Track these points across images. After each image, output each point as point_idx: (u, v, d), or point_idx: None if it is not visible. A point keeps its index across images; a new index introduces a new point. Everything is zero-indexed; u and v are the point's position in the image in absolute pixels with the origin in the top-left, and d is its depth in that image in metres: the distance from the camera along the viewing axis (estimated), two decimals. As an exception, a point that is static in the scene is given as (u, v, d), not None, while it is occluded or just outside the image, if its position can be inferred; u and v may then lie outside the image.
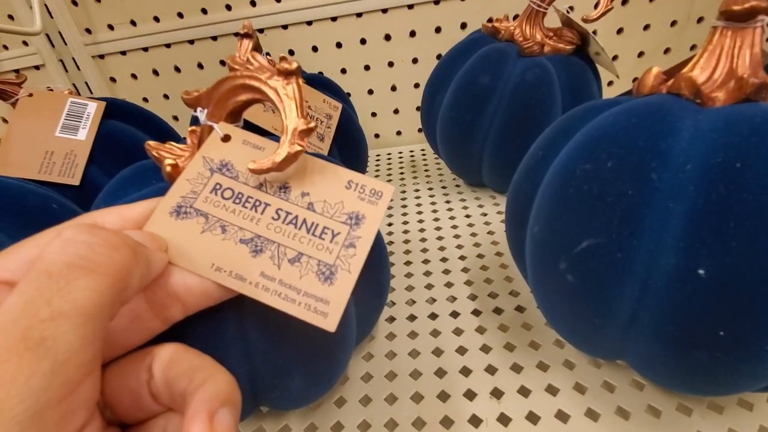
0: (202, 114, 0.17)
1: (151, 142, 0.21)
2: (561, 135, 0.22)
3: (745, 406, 0.21)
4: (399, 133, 0.57)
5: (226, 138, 0.17)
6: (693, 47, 0.51)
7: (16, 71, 0.53)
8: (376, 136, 0.57)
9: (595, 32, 0.34)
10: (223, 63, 0.52)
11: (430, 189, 0.45)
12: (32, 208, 0.24)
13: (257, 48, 0.33)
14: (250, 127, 0.26)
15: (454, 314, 0.29)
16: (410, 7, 0.48)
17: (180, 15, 0.49)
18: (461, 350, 0.26)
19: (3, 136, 0.33)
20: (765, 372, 0.17)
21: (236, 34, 0.50)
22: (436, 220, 0.39)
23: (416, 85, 0.53)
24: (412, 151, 0.55)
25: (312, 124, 0.15)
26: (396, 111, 0.55)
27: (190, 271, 0.14)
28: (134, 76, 0.54)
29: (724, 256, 0.15)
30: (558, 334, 0.26)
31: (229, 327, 0.17)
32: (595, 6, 0.48)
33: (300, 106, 0.15)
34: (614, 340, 0.20)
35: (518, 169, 0.25)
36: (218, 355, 0.17)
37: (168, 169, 0.18)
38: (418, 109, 0.55)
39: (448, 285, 0.32)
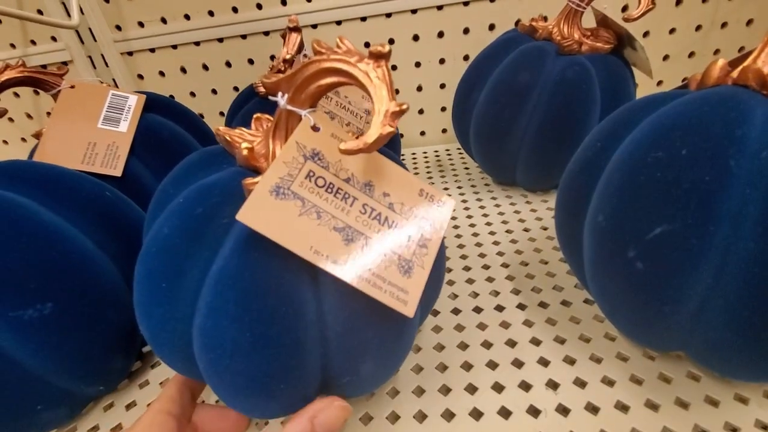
0: (282, 99, 0.18)
1: (221, 128, 0.21)
2: (620, 126, 0.22)
3: (804, 398, 0.22)
4: (423, 133, 0.57)
5: (315, 128, 0.17)
6: (716, 52, 0.51)
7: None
8: (401, 135, 0.57)
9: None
10: (251, 61, 0.52)
11: (460, 188, 0.45)
12: (88, 195, 0.24)
13: (302, 42, 0.33)
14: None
15: (499, 308, 0.29)
16: (439, 8, 0.48)
17: (210, 13, 0.49)
18: (510, 343, 0.26)
19: (45, 127, 0.33)
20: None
21: (266, 32, 0.50)
22: (470, 217, 0.40)
23: (442, 86, 0.53)
24: (436, 151, 0.55)
25: (404, 106, 0.15)
26: (421, 111, 0.55)
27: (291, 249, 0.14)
28: (162, 74, 0.54)
29: (804, 241, 0.15)
30: (612, 326, 0.26)
31: (308, 310, 0.17)
32: (623, 9, 0.49)
33: (390, 89, 0.16)
34: (680, 329, 0.20)
35: (572, 161, 0.25)
36: (297, 338, 0.17)
37: (245, 152, 0.19)
38: (443, 109, 0.55)
39: (489, 280, 0.32)
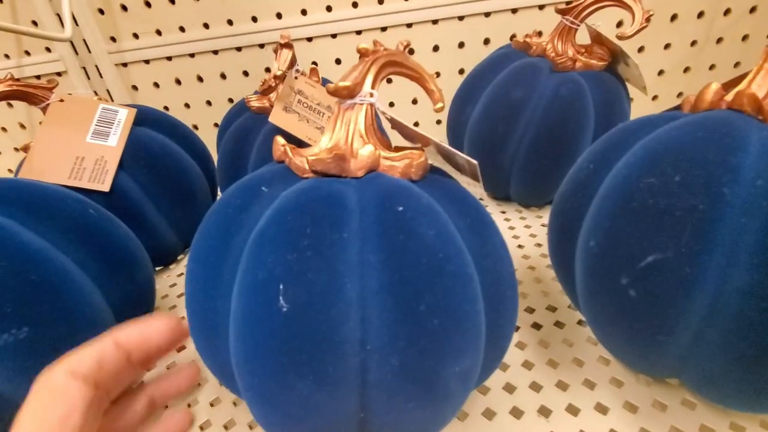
0: (375, 97, 0.19)
1: (314, 155, 0.19)
2: (613, 148, 0.22)
3: (803, 428, 0.21)
4: (418, 146, 0.57)
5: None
6: (712, 67, 0.51)
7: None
8: (395, 148, 0.57)
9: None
10: (246, 74, 0.52)
11: (454, 202, 0.45)
12: (71, 214, 0.24)
13: (294, 58, 0.33)
14: (288, 138, 0.26)
15: (492, 329, 0.28)
16: (434, 22, 0.48)
17: (206, 26, 0.49)
18: (503, 366, 0.26)
19: (33, 141, 0.33)
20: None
21: (261, 44, 0.50)
22: (463, 233, 0.39)
23: (437, 99, 0.53)
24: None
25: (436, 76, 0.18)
26: (416, 124, 0.55)
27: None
28: (156, 85, 0.54)
29: (801, 273, 0.15)
30: (606, 351, 0.25)
31: None
32: (617, 25, 0.49)
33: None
34: (674, 358, 0.19)
35: (564, 182, 0.25)
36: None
37: (377, 153, 0.19)
38: (438, 122, 0.55)
39: (482, 299, 0.31)
